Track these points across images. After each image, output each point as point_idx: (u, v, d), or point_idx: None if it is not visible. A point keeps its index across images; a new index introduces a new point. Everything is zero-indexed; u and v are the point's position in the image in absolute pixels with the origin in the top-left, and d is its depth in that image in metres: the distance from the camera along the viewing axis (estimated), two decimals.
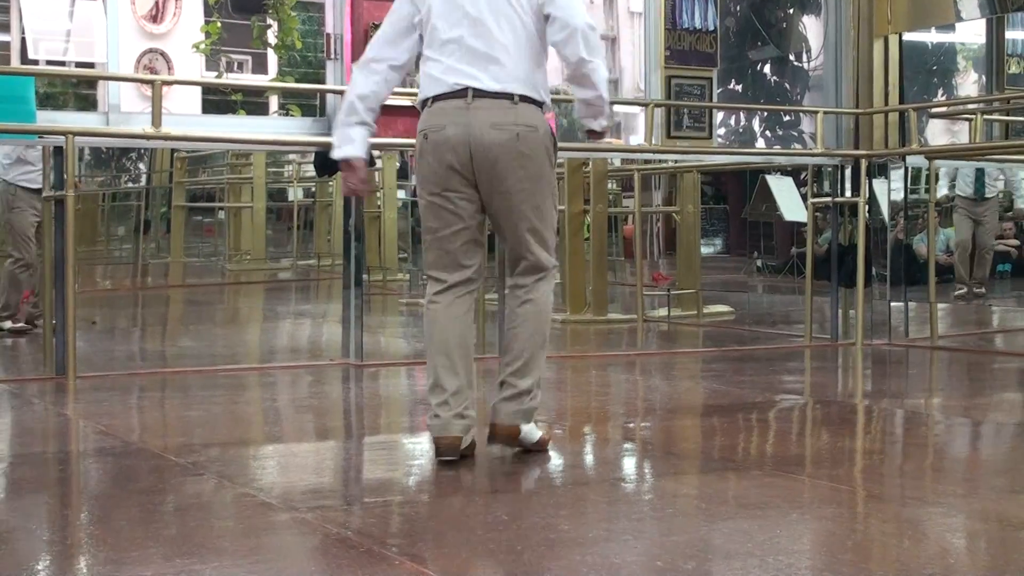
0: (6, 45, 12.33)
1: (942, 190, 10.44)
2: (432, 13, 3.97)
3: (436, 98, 3.93)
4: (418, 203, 4.07)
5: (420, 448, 4.24)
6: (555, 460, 4.04)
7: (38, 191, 7.29)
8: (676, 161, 9.19)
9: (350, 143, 4.10)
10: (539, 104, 3.96)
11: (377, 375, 6.20)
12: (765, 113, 13.53)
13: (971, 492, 3.64)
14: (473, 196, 3.94)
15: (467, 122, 3.88)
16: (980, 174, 10.09)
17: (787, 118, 13.66)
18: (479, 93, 3.89)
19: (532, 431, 4.00)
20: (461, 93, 3.89)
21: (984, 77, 10.97)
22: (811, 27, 12.84)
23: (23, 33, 11.49)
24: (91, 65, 10.90)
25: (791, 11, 12.91)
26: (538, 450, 4.03)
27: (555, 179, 4.04)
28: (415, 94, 6.83)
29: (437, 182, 3.93)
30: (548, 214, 4.01)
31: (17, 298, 8.02)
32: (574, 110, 4.14)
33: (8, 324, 7.98)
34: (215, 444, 4.33)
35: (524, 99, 3.91)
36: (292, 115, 11.64)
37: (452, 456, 3.87)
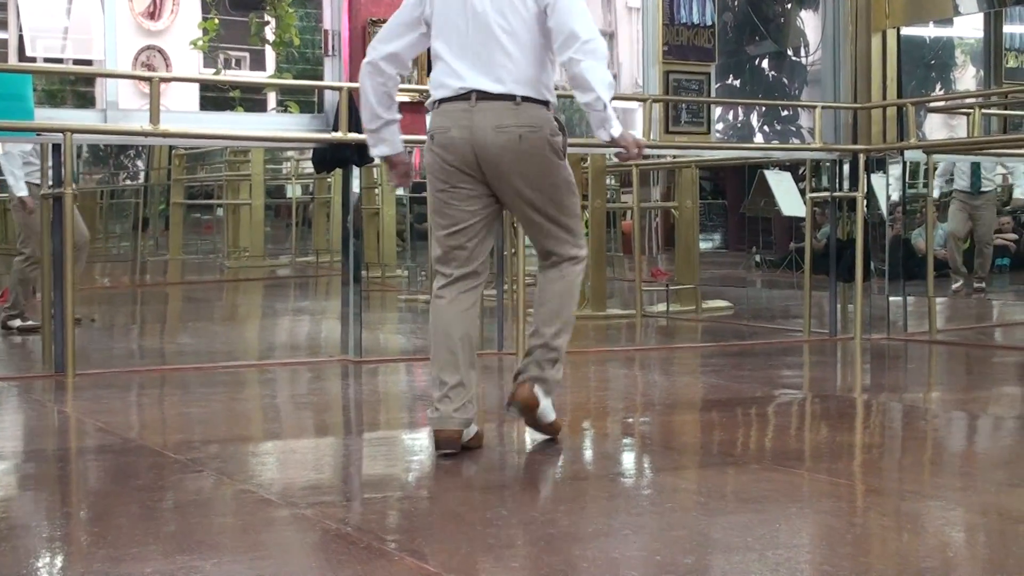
0: (4, 43, 12.32)
1: (939, 187, 10.44)
2: (436, 8, 3.99)
3: (442, 101, 3.98)
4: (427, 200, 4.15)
5: (419, 444, 4.24)
6: (554, 455, 4.04)
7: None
8: (674, 156, 9.18)
9: (382, 143, 4.16)
10: (544, 103, 3.96)
11: (376, 371, 6.21)
12: (763, 108, 13.52)
13: (970, 486, 3.65)
14: (481, 192, 3.98)
15: (470, 124, 3.91)
16: (976, 168, 10.08)
17: (785, 113, 13.66)
18: (482, 96, 3.91)
19: (549, 409, 4.07)
20: (465, 96, 3.92)
21: (982, 71, 10.98)
22: (809, 22, 12.83)
23: (21, 30, 11.48)
24: (89, 62, 10.89)
25: (789, 6, 12.91)
26: (549, 434, 4.11)
27: (568, 171, 4.04)
28: (416, 91, 6.86)
29: (443, 179, 3.99)
30: (567, 206, 4.04)
31: (25, 296, 7.99)
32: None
33: (17, 323, 7.96)
34: (214, 441, 4.33)
35: (527, 99, 3.92)
36: (290, 112, 11.65)
37: (451, 449, 3.90)
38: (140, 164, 13.70)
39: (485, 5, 3.92)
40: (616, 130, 3.92)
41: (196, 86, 11.08)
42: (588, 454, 4.27)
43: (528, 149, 3.91)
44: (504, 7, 3.92)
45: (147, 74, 8.78)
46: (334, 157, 6.65)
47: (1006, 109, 9.43)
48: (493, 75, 3.91)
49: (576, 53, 3.85)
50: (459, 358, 3.93)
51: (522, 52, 3.92)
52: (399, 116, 4.16)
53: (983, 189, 10.38)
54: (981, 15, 10.21)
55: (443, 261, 4.03)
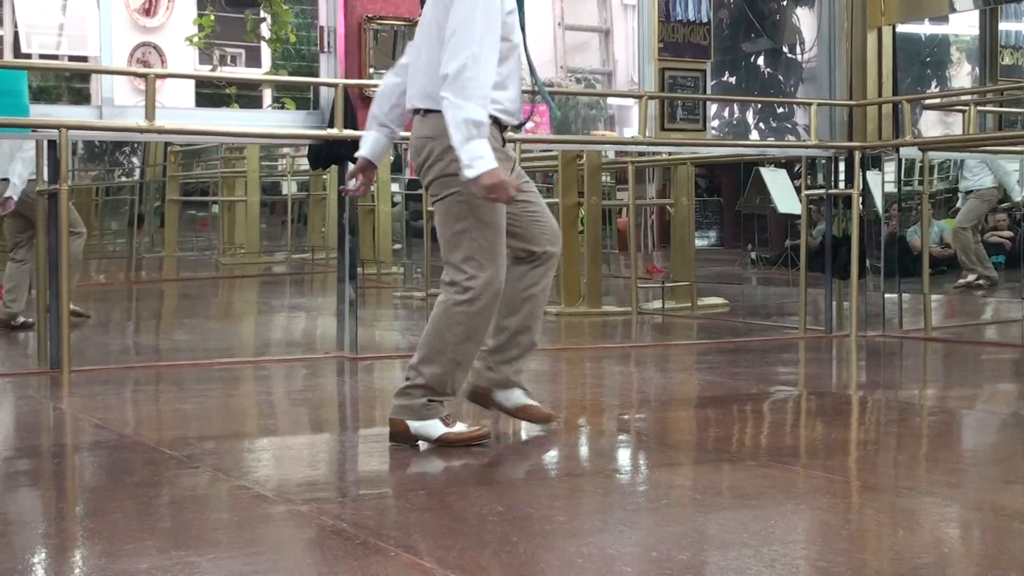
0: None
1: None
2: None
3: None
4: None
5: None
6: (550, 452, 4.05)
7: None
8: (670, 153, 9.18)
9: (363, 144, 4.21)
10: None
11: (372, 368, 6.21)
12: (759, 105, 13.54)
13: (965, 482, 3.65)
14: None
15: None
16: (959, 167, 10.12)
17: (781, 110, 13.68)
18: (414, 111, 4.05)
19: (431, 427, 3.93)
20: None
21: (977, 68, 10.99)
22: (804, 19, 12.86)
23: (16, 27, 11.47)
24: (84, 59, 10.89)
25: (784, 3, 12.93)
26: (441, 445, 3.93)
27: (465, 197, 3.83)
28: None
29: None
30: (449, 228, 3.90)
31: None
32: None
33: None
34: (210, 437, 4.33)
35: (429, 111, 3.93)
36: (286, 108, 11.64)
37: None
38: (135, 161, 13.69)
39: (426, 14, 4.00)
40: (470, 172, 3.71)
41: (192, 83, 11.08)
42: (584, 450, 4.27)
43: (424, 160, 3.95)
44: (428, 18, 3.96)
45: (143, 70, 8.76)
46: (329, 154, 6.65)
47: (1002, 106, 9.45)
48: (411, 91, 3.99)
49: (443, 90, 3.77)
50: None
51: (429, 63, 3.90)
52: (392, 127, 4.21)
53: (959, 187, 10.40)
54: (976, 12, 10.22)
55: None
